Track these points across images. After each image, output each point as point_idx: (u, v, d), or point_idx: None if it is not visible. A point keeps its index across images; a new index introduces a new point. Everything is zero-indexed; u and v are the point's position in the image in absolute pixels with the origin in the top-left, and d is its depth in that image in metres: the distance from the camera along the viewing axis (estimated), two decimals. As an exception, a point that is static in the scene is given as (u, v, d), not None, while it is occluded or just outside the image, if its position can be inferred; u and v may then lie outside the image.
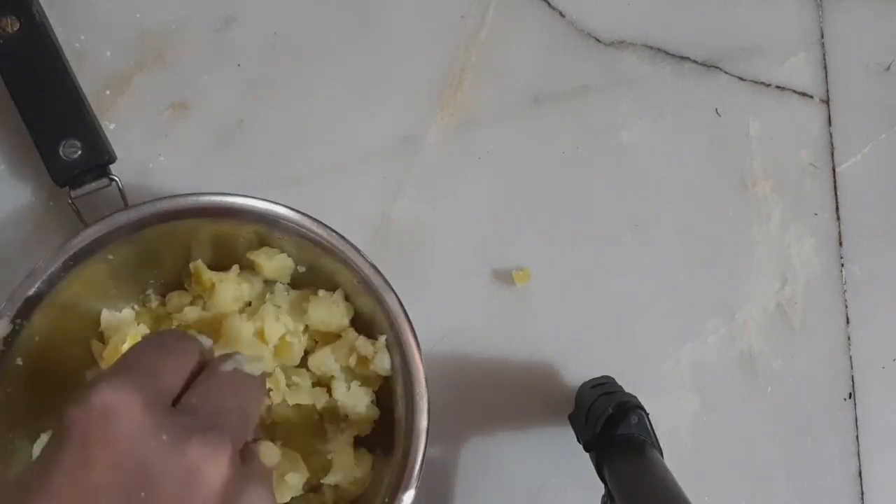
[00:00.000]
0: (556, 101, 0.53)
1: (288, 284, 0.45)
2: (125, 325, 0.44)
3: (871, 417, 0.53)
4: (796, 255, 0.54)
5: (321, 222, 0.42)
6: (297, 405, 0.43)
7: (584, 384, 0.49)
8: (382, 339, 0.42)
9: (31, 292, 0.40)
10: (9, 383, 0.40)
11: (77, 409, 0.28)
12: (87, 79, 0.48)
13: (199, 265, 0.44)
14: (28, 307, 0.40)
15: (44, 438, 0.41)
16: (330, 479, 0.42)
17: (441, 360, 0.50)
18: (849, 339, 0.54)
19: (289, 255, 0.44)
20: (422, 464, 0.39)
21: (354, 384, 0.43)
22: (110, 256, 0.42)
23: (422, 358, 0.41)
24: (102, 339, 0.44)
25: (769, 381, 0.53)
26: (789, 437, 0.52)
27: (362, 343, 0.43)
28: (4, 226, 0.48)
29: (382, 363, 0.42)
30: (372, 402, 0.43)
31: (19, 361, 0.40)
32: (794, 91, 0.55)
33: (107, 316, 0.44)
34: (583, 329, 0.51)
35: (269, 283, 0.45)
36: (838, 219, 0.54)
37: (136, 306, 0.45)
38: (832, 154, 0.55)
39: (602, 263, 0.52)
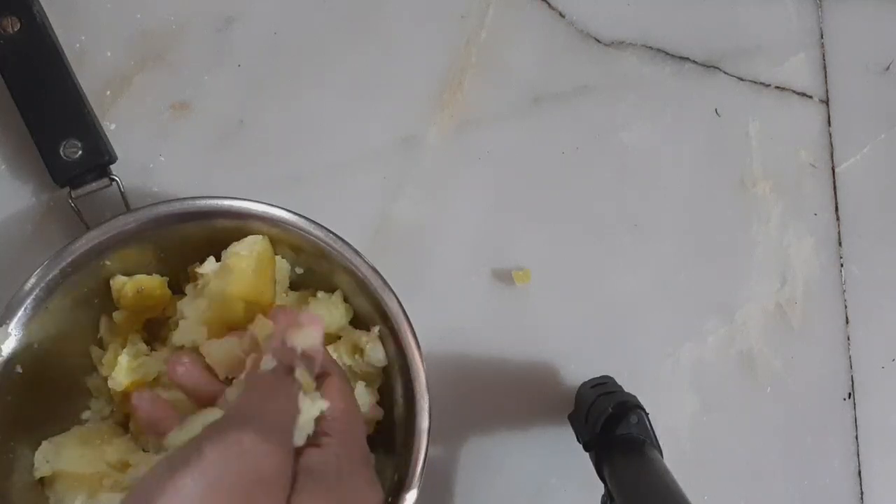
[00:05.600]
0: (556, 101, 0.53)
1: (287, 287, 0.45)
2: (124, 331, 0.44)
3: (871, 417, 0.53)
4: (796, 255, 0.54)
5: (318, 224, 0.42)
6: None
7: (584, 384, 0.49)
8: (375, 329, 0.42)
9: (29, 300, 0.40)
10: (9, 391, 0.40)
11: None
12: (88, 79, 0.48)
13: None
14: (27, 314, 0.40)
15: (45, 446, 0.41)
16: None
17: (441, 360, 0.50)
18: (848, 338, 0.54)
19: (286, 258, 0.44)
20: (423, 464, 0.39)
21: (360, 384, 0.43)
22: (108, 262, 0.42)
23: (422, 358, 0.41)
24: (102, 344, 0.44)
25: (769, 381, 0.53)
26: (789, 436, 0.53)
27: (357, 336, 0.43)
28: (5, 226, 0.48)
29: (376, 354, 0.42)
30: (377, 402, 0.43)
31: (19, 369, 0.40)
32: (794, 91, 0.55)
33: (105, 322, 0.44)
34: (583, 329, 0.51)
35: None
36: (838, 219, 0.54)
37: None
38: (832, 154, 0.55)
39: (602, 263, 0.52)
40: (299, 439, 0.31)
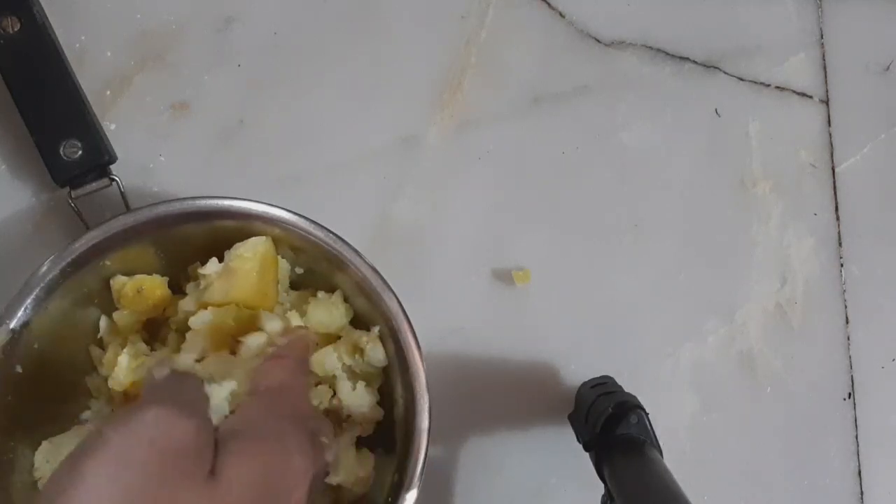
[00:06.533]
0: (556, 101, 0.53)
1: (287, 287, 0.45)
2: (124, 331, 0.44)
3: (871, 417, 0.53)
4: (796, 255, 0.54)
5: (318, 224, 0.42)
6: None
7: (584, 384, 0.49)
8: (375, 329, 0.42)
9: (29, 299, 0.40)
10: (9, 391, 0.40)
11: None
12: (88, 79, 0.48)
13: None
14: (27, 314, 0.40)
15: (45, 446, 0.41)
16: (333, 480, 0.42)
17: (441, 360, 0.50)
18: (848, 339, 0.54)
19: (286, 258, 0.44)
20: (423, 464, 0.39)
21: (360, 384, 0.43)
22: (108, 262, 0.42)
23: (422, 358, 0.41)
24: (101, 345, 0.44)
25: (769, 381, 0.53)
26: (789, 436, 0.53)
27: (357, 335, 0.43)
28: (5, 226, 0.48)
29: (376, 354, 0.42)
30: (377, 402, 0.43)
31: (19, 369, 0.40)
32: (794, 91, 0.55)
33: (105, 322, 0.44)
34: (583, 329, 0.51)
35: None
36: (838, 219, 0.54)
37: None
38: (832, 154, 0.55)
39: (602, 263, 0.52)
40: (216, 417, 0.34)
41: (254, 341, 0.39)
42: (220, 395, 0.35)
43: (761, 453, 0.52)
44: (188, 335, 0.41)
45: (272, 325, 0.40)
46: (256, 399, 0.34)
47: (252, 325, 0.41)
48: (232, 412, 0.35)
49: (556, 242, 0.52)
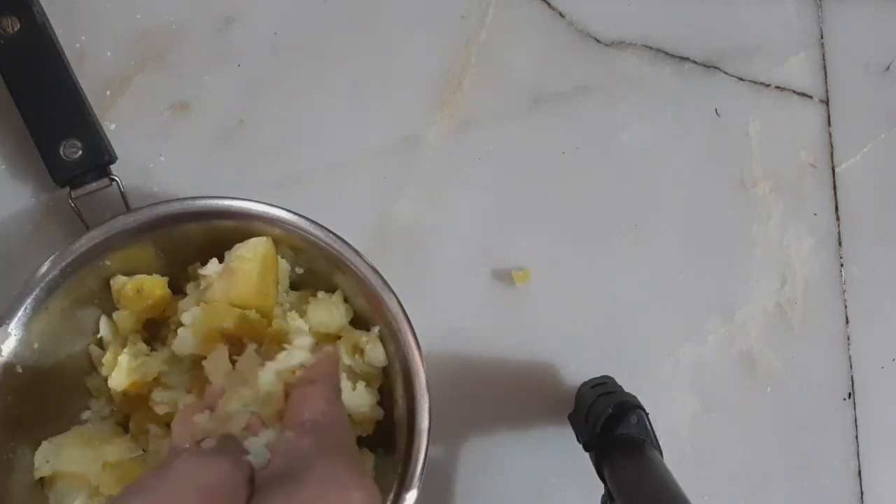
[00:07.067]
0: (556, 101, 0.53)
1: (287, 287, 0.45)
2: (124, 331, 0.44)
3: (871, 417, 0.53)
4: (796, 255, 0.54)
5: (318, 224, 0.42)
6: None
7: (584, 384, 0.49)
8: (375, 329, 0.42)
9: (29, 299, 0.40)
10: (9, 391, 0.40)
11: None
12: (88, 79, 0.48)
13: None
14: (27, 314, 0.40)
15: (45, 446, 0.41)
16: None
17: (441, 360, 0.50)
18: (848, 339, 0.54)
19: (286, 258, 0.44)
20: (423, 464, 0.39)
21: (360, 384, 0.43)
22: (108, 262, 0.42)
23: (422, 358, 0.41)
24: (101, 345, 0.44)
25: (769, 381, 0.53)
26: (789, 437, 0.53)
27: (357, 335, 0.43)
28: (5, 226, 0.48)
29: (376, 354, 0.42)
30: (377, 402, 0.43)
31: (19, 369, 0.40)
32: (794, 91, 0.55)
33: (105, 322, 0.44)
34: (583, 329, 0.51)
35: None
36: (838, 219, 0.54)
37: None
38: (832, 154, 0.55)
39: (602, 263, 0.52)
40: (257, 462, 0.33)
41: (287, 360, 0.38)
42: (258, 444, 0.34)
43: (761, 453, 0.52)
44: (179, 331, 0.41)
45: (303, 341, 0.40)
46: (300, 435, 0.34)
47: (252, 329, 0.41)
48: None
49: (556, 242, 0.52)
